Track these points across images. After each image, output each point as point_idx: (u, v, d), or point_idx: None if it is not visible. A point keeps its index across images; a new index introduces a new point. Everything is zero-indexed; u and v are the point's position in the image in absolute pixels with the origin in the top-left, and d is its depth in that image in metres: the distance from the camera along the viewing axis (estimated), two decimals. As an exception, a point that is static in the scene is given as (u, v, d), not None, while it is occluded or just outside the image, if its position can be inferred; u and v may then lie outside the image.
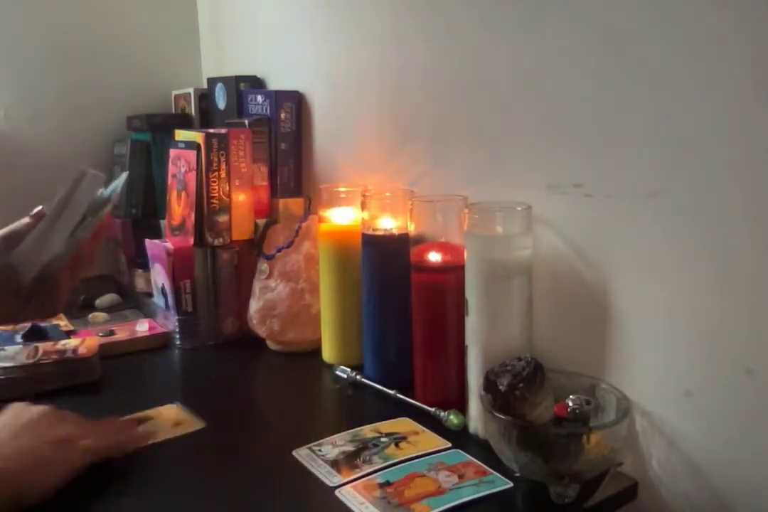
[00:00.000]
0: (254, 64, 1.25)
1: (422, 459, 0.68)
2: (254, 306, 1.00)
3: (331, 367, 0.91)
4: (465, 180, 0.83)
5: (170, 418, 0.78)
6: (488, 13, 0.77)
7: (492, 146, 0.79)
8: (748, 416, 0.59)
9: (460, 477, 0.64)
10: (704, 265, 0.60)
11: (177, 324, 1.02)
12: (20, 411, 0.68)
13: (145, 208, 1.27)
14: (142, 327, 1.05)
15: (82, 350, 0.90)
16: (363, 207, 0.85)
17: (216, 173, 1.01)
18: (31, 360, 0.86)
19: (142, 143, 1.27)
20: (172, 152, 1.10)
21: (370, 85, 0.98)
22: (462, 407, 0.74)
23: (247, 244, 1.05)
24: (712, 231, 0.59)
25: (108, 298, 1.21)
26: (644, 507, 0.66)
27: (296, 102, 1.12)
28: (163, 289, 1.05)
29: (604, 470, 0.62)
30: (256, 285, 1.01)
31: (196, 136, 1.03)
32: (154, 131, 1.26)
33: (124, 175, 0.76)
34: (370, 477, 0.65)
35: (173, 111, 1.37)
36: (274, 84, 1.20)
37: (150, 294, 1.14)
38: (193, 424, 0.77)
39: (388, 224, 0.85)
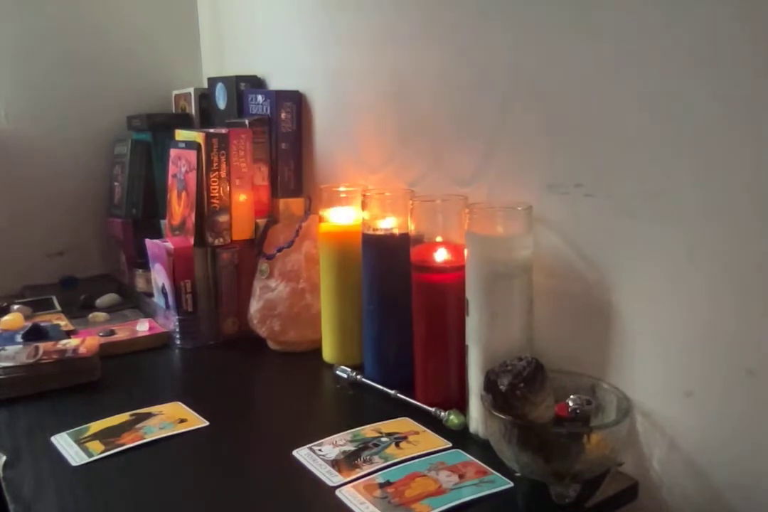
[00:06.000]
0: (254, 64, 1.25)
1: (423, 458, 0.68)
2: (254, 306, 1.00)
3: (331, 367, 0.90)
4: (465, 180, 0.83)
5: (175, 415, 0.78)
6: (488, 13, 0.77)
7: (492, 146, 0.79)
8: (749, 416, 0.59)
9: (461, 476, 0.64)
10: (705, 265, 0.60)
11: (177, 324, 1.02)
12: None
13: (146, 208, 1.27)
14: (143, 327, 1.05)
15: (82, 350, 0.90)
16: (363, 207, 0.85)
17: (216, 173, 1.01)
18: (31, 360, 0.86)
19: (142, 143, 1.27)
20: (173, 152, 1.10)
21: (370, 85, 0.98)
22: (462, 407, 0.74)
23: (248, 244, 1.05)
24: (713, 230, 0.59)
25: (108, 298, 1.21)
26: (645, 507, 0.66)
27: (297, 102, 1.12)
28: (163, 289, 1.05)
29: (604, 470, 0.62)
30: (257, 285, 1.01)
31: (197, 135, 1.03)
32: (154, 131, 1.26)
33: None
34: (370, 476, 0.65)
35: (173, 111, 1.37)
36: (275, 84, 1.20)
37: (150, 294, 1.14)
38: (197, 421, 0.77)
39: (388, 224, 0.84)
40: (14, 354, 0.88)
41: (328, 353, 0.94)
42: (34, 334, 0.97)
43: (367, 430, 0.74)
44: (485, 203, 0.74)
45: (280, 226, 1.03)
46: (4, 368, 0.85)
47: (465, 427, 0.73)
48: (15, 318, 1.06)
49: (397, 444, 0.70)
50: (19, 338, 0.97)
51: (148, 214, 1.26)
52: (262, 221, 1.05)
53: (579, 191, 0.69)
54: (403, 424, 0.75)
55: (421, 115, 0.90)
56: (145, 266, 1.14)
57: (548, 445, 0.58)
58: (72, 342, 0.93)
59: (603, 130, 0.67)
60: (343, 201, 0.92)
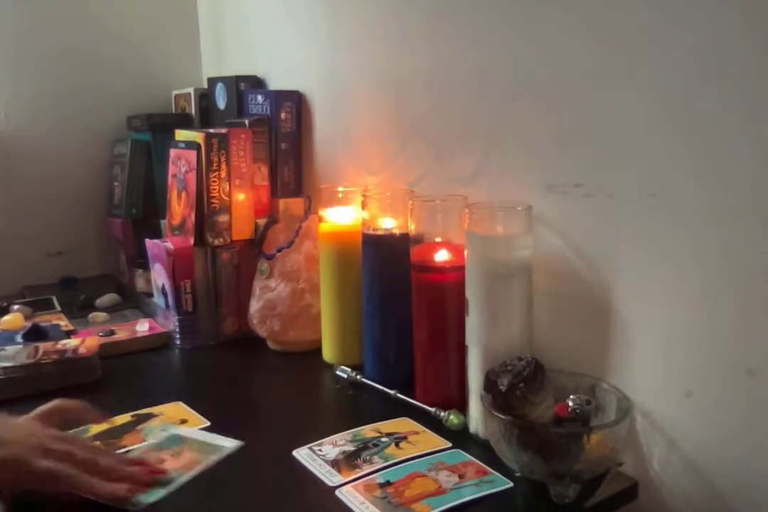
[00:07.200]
0: (254, 64, 1.25)
1: (422, 459, 0.68)
2: (254, 306, 1.00)
3: (331, 367, 0.90)
4: (465, 180, 0.83)
5: (176, 415, 0.78)
6: (488, 13, 0.77)
7: (492, 146, 0.79)
8: (749, 416, 0.59)
9: (461, 476, 0.64)
10: (705, 265, 0.60)
11: (177, 324, 1.02)
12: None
13: (146, 208, 1.27)
14: (143, 327, 1.05)
15: (82, 350, 0.90)
16: (363, 207, 0.85)
17: (216, 173, 1.01)
18: (31, 360, 0.86)
19: (142, 143, 1.27)
20: (173, 152, 1.10)
21: (370, 85, 0.98)
22: (462, 407, 0.74)
23: (248, 244, 1.05)
24: (713, 230, 0.59)
25: (108, 298, 1.21)
26: (644, 507, 0.66)
27: (296, 102, 1.12)
28: (163, 289, 1.05)
29: (604, 470, 0.62)
30: (257, 285, 1.01)
31: (197, 135, 1.03)
32: (154, 131, 1.26)
33: None
34: (370, 476, 0.65)
35: (173, 111, 1.37)
36: (275, 84, 1.20)
37: (150, 294, 1.14)
38: (198, 421, 0.77)
39: (388, 224, 0.84)
40: (14, 354, 0.88)
41: (328, 353, 0.94)
42: (34, 334, 0.97)
43: (367, 430, 0.74)
44: (485, 203, 0.74)
45: (280, 226, 1.03)
46: (4, 368, 0.85)
47: (465, 427, 0.73)
48: (15, 318, 1.06)
49: (397, 444, 0.70)
50: (19, 338, 0.97)
51: (148, 214, 1.26)
52: (262, 221, 1.05)
53: (579, 191, 0.70)
54: (402, 424, 0.75)
55: (421, 115, 0.90)
56: (145, 266, 1.14)
57: (548, 445, 0.58)
58: (72, 342, 0.93)
59: (603, 130, 0.67)
60: (343, 201, 0.92)
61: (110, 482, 0.60)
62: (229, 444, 0.71)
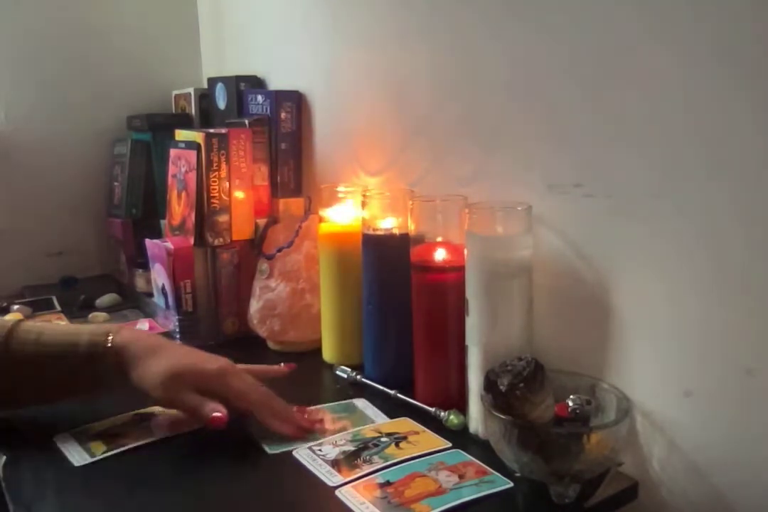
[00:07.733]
0: (254, 64, 1.25)
1: (422, 459, 0.68)
2: (254, 306, 1.00)
3: (331, 367, 0.91)
4: (465, 180, 0.83)
5: (178, 415, 0.78)
6: (488, 13, 0.77)
7: (492, 146, 0.79)
8: (749, 416, 0.59)
9: (461, 476, 0.64)
10: (704, 265, 0.60)
11: (177, 324, 1.02)
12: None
13: (146, 208, 1.27)
14: (143, 327, 1.05)
15: (82, 350, 0.89)
16: (363, 207, 0.85)
17: (216, 173, 1.01)
18: (31, 360, 0.86)
19: (142, 143, 1.28)
20: (173, 152, 1.10)
21: (370, 85, 0.98)
22: (462, 407, 0.74)
23: (248, 244, 1.05)
24: (712, 231, 0.59)
25: (108, 298, 1.21)
26: (644, 507, 0.66)
27: (296, 102, 1.12)
28: (163, 289, 1.06)
29: (604, 470, 0.62)
30: (257, 285, 1.01)
31: (197, 135, 1.03)
32: (154, 131, 1.26)
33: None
34: (370, 476, 0.65)
35: (173, 111, 1.37)
36: (275, 84, 1.20)
37: (150, 294, 1.14)
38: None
39: (388, 224, 0.84)
40: (14, 355, 0.88)
41: (328, 353, 0.94)
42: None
43: (367, 430, 0.74)
44: (485, 203, 0.74)
45: (280, 226, 1.03)
46: (5, 368, 0.84)
47: (465, 427, 0.73)
48: (15, 318, 1.06)
49: (397, 444, 0.70)
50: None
51: (148, 214, 1.26)
52: (262, 221, 1.05)
53: (579, 191, 0.70)
54: (403, 424, 0.75)
55: (421, 115, 0.90)
56: (145, 266, 1.14)
57: (548, 445, 0.59)
58: (72, 342, 0.93)
59: (603, 129, 0.67)
60: (343, 201, 0.92)
61: (280, 421, 0.73)
62: (380, 419, 0.76)
